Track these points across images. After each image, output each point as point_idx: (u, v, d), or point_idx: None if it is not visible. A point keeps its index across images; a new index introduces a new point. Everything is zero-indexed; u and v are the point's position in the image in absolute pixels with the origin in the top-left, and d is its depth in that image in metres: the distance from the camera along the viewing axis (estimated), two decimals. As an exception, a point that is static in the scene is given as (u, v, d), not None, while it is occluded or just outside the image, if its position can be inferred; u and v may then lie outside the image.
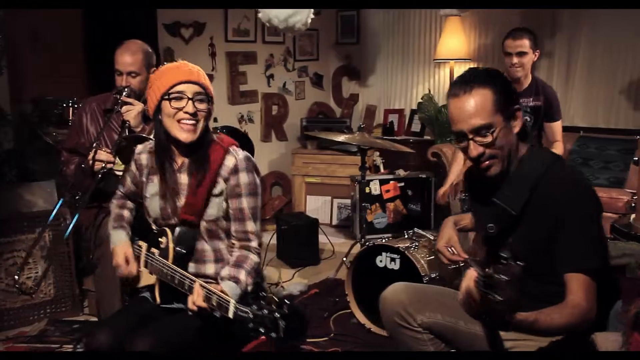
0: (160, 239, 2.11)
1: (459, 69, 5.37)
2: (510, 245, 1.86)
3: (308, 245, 4.47)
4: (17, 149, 3.44)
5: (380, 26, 5.81)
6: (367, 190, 4.95)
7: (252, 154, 2.47)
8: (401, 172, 5.08)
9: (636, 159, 3.08)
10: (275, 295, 3.50)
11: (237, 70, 5.23)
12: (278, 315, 1.64)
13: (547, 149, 1.95)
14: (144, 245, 2.19)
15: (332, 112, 6.11)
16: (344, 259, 3.76)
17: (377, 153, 5.44)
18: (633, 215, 3.10)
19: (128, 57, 2.84)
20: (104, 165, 2.63)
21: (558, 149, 3.64)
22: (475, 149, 1.78)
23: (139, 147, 2.23)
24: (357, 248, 3.73)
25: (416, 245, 3.13)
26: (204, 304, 1.83)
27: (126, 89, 2.81)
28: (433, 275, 3.00)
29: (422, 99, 5.44)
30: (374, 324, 3.17)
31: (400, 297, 2.02)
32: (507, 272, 1.40)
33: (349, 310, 3.29)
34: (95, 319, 3.29)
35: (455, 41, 5.20)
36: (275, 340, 1.64)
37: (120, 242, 2.20)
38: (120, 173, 2.83)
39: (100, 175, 2.60)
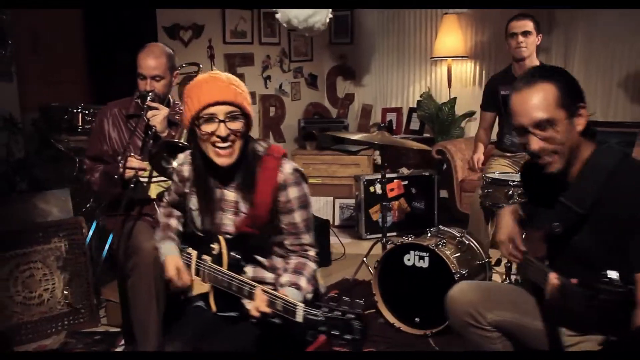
0: (212, 245, 2.05)
1: (457, 67, 5.41)
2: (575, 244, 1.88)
3: (319, 247, 4.43)
4: (28, 157, 3.33)
5: (374, 25, 5.82)
6: (371, 189, 4.96)
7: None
8: (404, 171, 5.09)
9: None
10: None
11: (235, 72, 5.17)
12: (352, 317, 1.59)
13: (615, 147, 1.94)
14: (193, 253, 2.13)
15: (327, 112, 6.09)
16: (364, 259, 3.74)
17: (377, 152, 5.44)
18: None
19: (152, 60, 2.77)
20: (135, 172, 2.57)
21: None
22: (536, 143, 1.77)
23: (180, 158, 2.15)
24: (377, 248, 3.74)
25: (443, 242, 3.12)
26: (267, 309, 1.78)
27: (150, 94, 2.75)
28: (463, 272, 3.00)
29: (421, 97, 5.46)
30: (402, 323, 3.16)
31: (469, 296, 2.01)
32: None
33: (373, 310, 3.27)
34: (116, 329, 3.22)
35: (453, 39, 5.23)
36: (352, 342, 1.59)
37: (170, 253, 2.13)
38: (145, 180, 2.79)
39: (132, 184, 2.54)
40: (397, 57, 5.74)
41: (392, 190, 5.03)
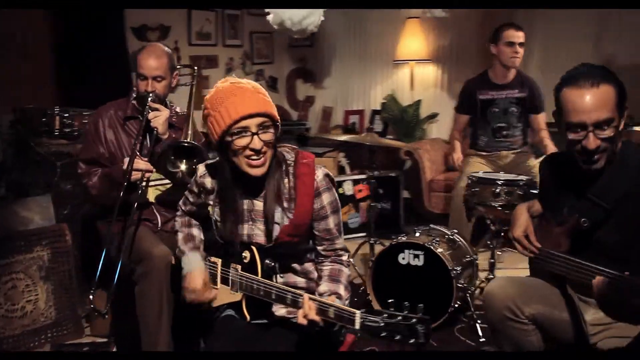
0: (243, 254, 2.00)
1: (419, 70, 5.54)
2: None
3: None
4: (6, 161, 3.16)
5: (335, 28, 5.85)
6: (340, 190, 5.01)
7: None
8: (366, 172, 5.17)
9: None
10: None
11: (201, 75, 5.09)
12: (415, 321, 1.58)
13: (635, 143, 2.05)
14: (218, 261, 2.09)
15: (288, 114, 6.08)
16: (351, 260, 3.77)
17: (342, 154, 5.50)
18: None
19: (153, 61, 2.70)
20: (142, 175, 2.50)
21: (547, 137, 3.84)
22: (594, 142, 1.85)
23: (201, 170, 2.08)
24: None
25: (436, 241, 3.20)
26: (317, 317, 1.75)
27: (151, 95, 2.69)
28: (457, 269, 3.08)
29: (384, 99, 5.55)
30: (398, 321, 3.20)
31: (508, 291, 2.06)
32: None
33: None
34: (102, 339, 3.11)
35: (416, 43, 5.36)
36: (418, 346, 1.59)
37: (197, 266, 2.08)
38: (150, 182, 2.73)
39: (141, 188, 2.47)
40: (359, 60, 5.81)
41: (360, 191, 5.10)
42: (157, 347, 2.49)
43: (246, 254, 1.99)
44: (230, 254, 2.05)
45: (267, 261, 1.97)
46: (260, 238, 1.99)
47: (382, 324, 1.61)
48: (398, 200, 5.19)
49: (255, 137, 1.81)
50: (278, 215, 1.95)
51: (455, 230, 3.40)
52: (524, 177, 3.30)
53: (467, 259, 3.29)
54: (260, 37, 5.77)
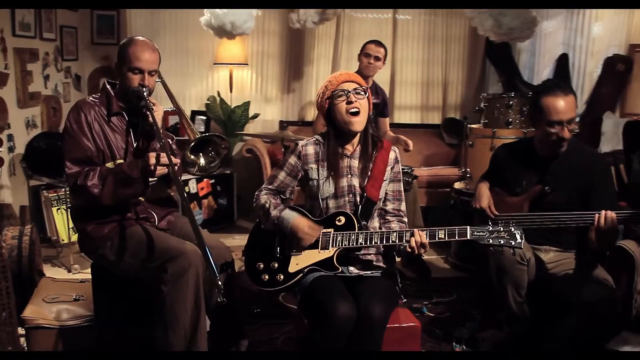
0: (337, 218, 2.48)
1: (238, 73, 5.88)
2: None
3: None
4: None
5: (146, 27, 5.78)
6: (186, 188, 5.10)
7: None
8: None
9: (470, 142, 4.36)
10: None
11: (26, 69, 4.59)
12: (512, 228, 2.25)
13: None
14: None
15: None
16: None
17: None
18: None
19: (149, 54, 2.64)
20: (172, 169, 2.45)
21: (390, 136, 4.64)
22: (567, 133, 2.69)
23: (302, 142, 2.59)
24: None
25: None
26: (426, 240, 2.32)
27: (145, 89, 2.63)
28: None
29: (208, 100, 5.74)
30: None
31: None
32: None
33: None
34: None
35: (234, 47, 5.68)
36: (516, 247, 2.27)
37: (296, 214, 2.50)
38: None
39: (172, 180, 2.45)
40: (175, 61, 5.85)
41: (202, 188, 5.26)
42: (197, 347, 2.50)
43: (341, 217, 2.48)
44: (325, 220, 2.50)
45: (362, 222, 2.48)
46: (357, 189, 2.50)
47: (487, 233, 2.27)
48: (232, 197, 5.50)
49: (351, 94, 2.46)
50: (367, 172, 2.53)
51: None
52: (403, 166, 4.03)
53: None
54: (68, 32, 5.38)
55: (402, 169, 3.88)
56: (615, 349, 2.42)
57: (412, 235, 2.34)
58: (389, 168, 2.57)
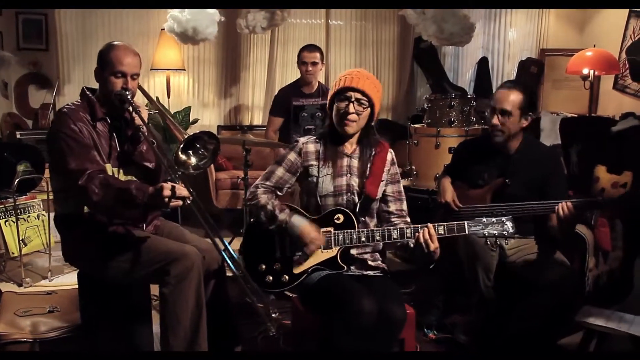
0: (336, 216, 2.54)
1: (175, 79, 5.84)
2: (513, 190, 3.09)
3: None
4: None
5: (77, 31, 5.62)
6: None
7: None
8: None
9: (415, 141, 4.61)
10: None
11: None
12: (504, 220, 2.45)
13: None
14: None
15: (25, 123, 5.53)
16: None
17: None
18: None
19: (131, 58, 2.64)
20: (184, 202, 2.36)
21: None
22: (496, 121, 2.99)
23: (302, 140, 2.64)
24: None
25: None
26: (434, 234, 2.43)
27: (129, 92, 2.64)
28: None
29: (146, 106, 5.63)
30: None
31: None
32: None
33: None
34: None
35: (171, 52, 5.64)
36: (510, 236, 2.47)
37: (305, 220, 2.52)
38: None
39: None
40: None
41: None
42: (198, 348, 2.53)
43: (339, 215, 2.54)
44: (323, 220, 2.55)
45: (360, 218, 2.56)
46: (356, 188, 2.58)
47: (482, 226, 2.45)
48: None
49: (352, 104, 2.49)
50: (365, 171, 2.60)
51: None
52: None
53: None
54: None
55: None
56: (583, 321, 2.69)
57: (417, 230, 2.43)
58: (386, 169, 2.64)
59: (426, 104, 4.58)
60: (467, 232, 2.45)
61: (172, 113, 5.61)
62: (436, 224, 2.45)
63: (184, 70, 5.82)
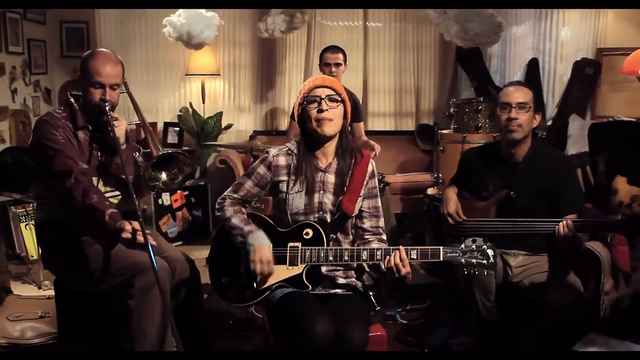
0: (305, 231, 2.35)
1: (210, 84, 5.85)
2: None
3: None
4: None
5: (116, 38, 5.73)
6: (160, 201, 5.06)
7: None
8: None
9: (441, 148, 4.38)
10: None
11: (-9, 84, 4.54)
12: (485, 246, 2.17)
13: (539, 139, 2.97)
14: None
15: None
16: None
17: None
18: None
19: (110, 68, 2.60)
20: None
21: (362, 141, 4.63)
22: (516, 114, 2.78)
23: (273, 151, 2.43)
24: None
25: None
26: (406, 258, 2.21)
27: (107, 103, 2.59)
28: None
29: (180, 111, 5.70)
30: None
31: None
32: None
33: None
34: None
35: (206, 58, 5.66)
36: (489, 267, 2.19)
37: (265, 241, 2.35)
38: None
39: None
40: (147, 72, 5.81)
41: (176, 200, 5.22)
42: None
43: (308, 230, 2.35)
44: (289, 235, 2.36)
45: (331, 235, 2.37)
46: (330, 206, 2.38)
47: (459, 253, 2.18)
48: (207, 208, 5.46)
49: (323, 101, 2.32)
50: (343, 187, 2.40)
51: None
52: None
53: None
54: (36, 45, 5.32)
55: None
56: (581, 350, 2.41)
57: (389, 253, 2.23)
58: (365, 182, 2.43)
59: (452, 109, 4.34)
60: (441, 258, 2.21)
61: (205, 119, 5.63)
62: (409, 247, 2.24)
63: (219, 75, 5.82)
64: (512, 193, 2.82)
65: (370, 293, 2.45)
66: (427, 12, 4.13)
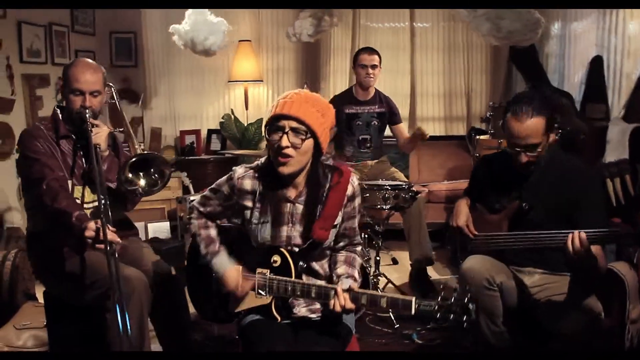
0: (273, 259, 2.13)
1: (253, 90, 5.82)
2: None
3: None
4: None
5: (162, 47, 5.83)
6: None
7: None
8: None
9: (477, 154, 4.09)
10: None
11: (35, 95, 4.69)
12: (465, 301, 1.85)
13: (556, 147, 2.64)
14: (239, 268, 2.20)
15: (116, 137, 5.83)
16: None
17: (185, 174, 5.51)
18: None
19: (90, 75, 2.59)
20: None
21: (406, 137, 4.41)
22: (525, 159, 2.48)
23: (239, 171, 2.17)
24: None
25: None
26: (352, 305, 1.97)
27: (87, 110, 2.56)
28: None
29: (223, 118, 5.71)
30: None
31: (485, 265, 2.50)
32: None
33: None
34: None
35: (248, 64, 5.63)
36: (469, 323, 1.85)
37: (229, 265, 2.18)
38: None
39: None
40: (191, 80, 5.87)
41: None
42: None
43: (276, 257, 2.12)
44: (258, 258, 2.15)
45: (300, 263, 2.13)
46: (298, 240, 2.14)
47: (436, 308, 1.86)
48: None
49: (285, 136, 1.97)
50: (314, 218, 2.12)
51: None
52: (404, 182, 3.81)
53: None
54: (85, 55, 5.47)
55: (401, 186, 3.69)
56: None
57: (337, 295, 1.97)
58: (342, 205, 2.13)
59: (489, 113, 4.05)
60: (413, 312, 1.90)
61: (246, 125, 5.60)
62: (378, 295, 1.97)
63: (262, 81, 5.77)
64: (524, 205, 2.55)
65: (345, 317, 2.20)
66: (457, 10, 3.86)
